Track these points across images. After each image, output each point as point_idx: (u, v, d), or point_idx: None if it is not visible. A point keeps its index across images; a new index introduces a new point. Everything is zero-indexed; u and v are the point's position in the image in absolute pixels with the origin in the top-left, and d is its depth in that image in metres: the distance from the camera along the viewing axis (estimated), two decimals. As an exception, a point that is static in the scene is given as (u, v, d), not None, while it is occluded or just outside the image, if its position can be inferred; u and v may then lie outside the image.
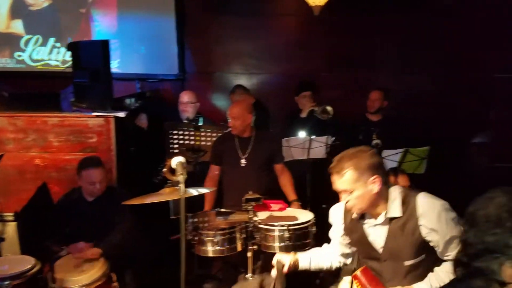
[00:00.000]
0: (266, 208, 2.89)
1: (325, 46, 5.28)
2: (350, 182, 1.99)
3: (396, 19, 5.16)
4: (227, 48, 5.35)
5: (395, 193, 2.05)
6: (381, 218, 2.06)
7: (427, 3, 4.74)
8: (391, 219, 2.04)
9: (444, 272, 1.99)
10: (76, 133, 3.63)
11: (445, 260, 2.03)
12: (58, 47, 5.29)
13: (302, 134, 4.24)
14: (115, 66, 5.20)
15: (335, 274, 3.34)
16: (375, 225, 2.09)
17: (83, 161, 3.19)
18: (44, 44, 5.29)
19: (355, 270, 2.24)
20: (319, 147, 4.15)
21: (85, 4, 5.26)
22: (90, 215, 3.15)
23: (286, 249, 2.77)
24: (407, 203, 2.01)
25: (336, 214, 2.29)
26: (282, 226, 2.75)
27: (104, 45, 3.83)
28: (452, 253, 1.96)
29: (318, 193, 4.22)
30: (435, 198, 2.03)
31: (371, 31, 5.20)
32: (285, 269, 2.33)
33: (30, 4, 5.27)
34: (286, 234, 2.75)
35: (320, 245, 4.12)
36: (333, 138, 4.14)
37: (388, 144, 3.87)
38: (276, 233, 2.78)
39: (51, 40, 5.29)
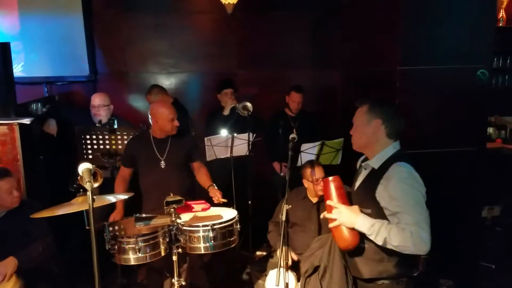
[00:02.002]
0: (189, 209, 2.84)
1: (241, 44, 5.32)
2: (359, 115, 2.19)
3: (307, 17, 5.34)
4: (141, 47, 5.21)
5: (390, 151, 2.14)
6: (366, 162, 2.21)
7: (333, 2, 4.96)
8: (372, 167, 2.16)
9: (388, 229, 1.98)
10: (-23, 144, 3.33)
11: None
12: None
13: (224, 132, 4.25)
14: (19, 69, 4.90)
15: (262, 269, 3.41)
16: (365, 168, 2.23)
17: None
18: None
19: None
20: (241, 144, 4.17)
21: (-20, 4, 4.85)
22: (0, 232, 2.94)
23: (212, 249, 2.77)
24: (388, 162, 2.11)
25: (361, 158, 2.41)
26: (206, 226, 2.73)
27: (4, 47, 3.58)
28: (401, 222, 1.98)
29: (243, 190, 4.27)
30: (409, 170, 2.05)
31: (284, 28, 5.33)
32: None
33: None
34: (211, 234, 2.72)
35: (246, 241, 4.20)
36: (255, 135, 4.19)
37: (305, 138, 3.99)
38: (201, 234, 2.74)
39: None
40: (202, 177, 3.41)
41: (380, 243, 2.01)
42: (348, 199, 2.21)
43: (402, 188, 2.01)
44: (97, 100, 4.02)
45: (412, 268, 2.16)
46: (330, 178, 2.22)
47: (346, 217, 2.07)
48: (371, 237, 2.02)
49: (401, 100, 3.55)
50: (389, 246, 2.00)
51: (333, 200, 2.16)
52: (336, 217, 2.10)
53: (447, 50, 3.56)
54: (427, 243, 1.96)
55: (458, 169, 3.71)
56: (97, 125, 3.85)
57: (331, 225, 2.12)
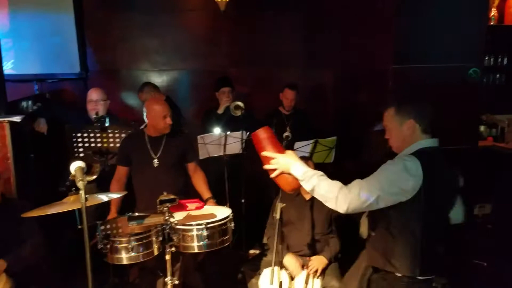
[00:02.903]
0: (182, 208, 2.82)
1: (233, 42, 5.31)
2: (389, 119, 2.20)
3: (300, 15, 5.33)
4: (132, 44, 5.17)
5: (416, 147, 2.15)
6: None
7: (326, 1, 4.96)
8: None
9: (321, 179, 2.05)
10: (-33, 142, 3.28)
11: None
12: None
13: (217, 130, 4.23)
14: (9, 67, 4.86)
15: (256, 268, 3.41)
16: None
17: None
18: None
19: None
20: (234, 142, 4.16)
21: (-31, 1, 4.80)
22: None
23: (205, 248, 2.75)
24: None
25: None
26: (200, 225, 2.71)
27: (-7, 45, 3.55)
28: (353, 184, 2.04)
29: (236, 188, 4.25)
30: (407, 161, 2.06)
31: (277, 27, 5.32)
32: None
33: None
34: (205, 233, 2.71)
35: (239, 239, 4.19)
36: (248, 133, 4.18)
37: (299, 136, 3.98)
38: (194, 233, 2.72)
39: None
40: (201, 184, 3.38)
41: (308, 189, 2.08)
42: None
43: (385, 166, 2.08)
44: (94, 95, 3.97)
45: (415, 269, 2.15)
46: (258, 130, 2.22)
47: (283, 164, 2.13)
48: (302, 183, 2.09)
49: (393, 98, 3.56)
50: (315, 195, 2.07)
51: (268, 150, 2.18)
52: (275, 167, 2.14)
53: (439, 49, 3.57)
54: (343, 206, 2.01)
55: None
56: (93, 117, 3.79)
57: (272, 175, 2.17)
